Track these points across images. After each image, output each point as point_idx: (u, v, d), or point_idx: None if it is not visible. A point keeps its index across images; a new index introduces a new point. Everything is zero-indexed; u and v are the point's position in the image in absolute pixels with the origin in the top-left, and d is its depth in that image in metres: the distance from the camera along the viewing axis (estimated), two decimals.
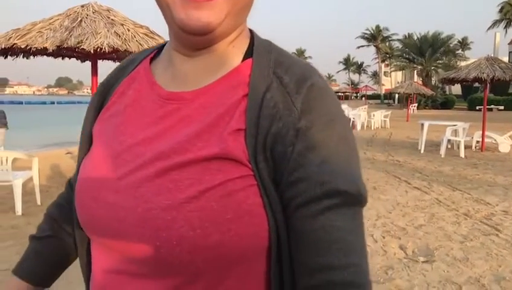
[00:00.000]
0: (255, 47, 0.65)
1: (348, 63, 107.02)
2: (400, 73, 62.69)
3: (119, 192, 0.59)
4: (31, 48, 5.75)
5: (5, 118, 9.60)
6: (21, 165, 6.07)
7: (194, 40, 0.62)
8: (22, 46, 5.73)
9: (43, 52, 6.00)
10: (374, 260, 3.88)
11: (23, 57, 6.55)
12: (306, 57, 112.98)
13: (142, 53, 0.76)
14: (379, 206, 5.76)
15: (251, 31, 0.69)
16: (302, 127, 0.57)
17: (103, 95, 0.74)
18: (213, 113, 0.60)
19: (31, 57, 6.47)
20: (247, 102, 0.60)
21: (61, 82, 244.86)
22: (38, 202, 5.71)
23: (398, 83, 53.15)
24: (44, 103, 79.00)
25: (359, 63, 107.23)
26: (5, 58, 6.66)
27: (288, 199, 0.58)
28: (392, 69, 58.13)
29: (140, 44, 5.87)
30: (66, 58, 7.10)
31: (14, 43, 5.64)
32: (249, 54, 0.65)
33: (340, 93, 57.73)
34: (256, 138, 0.58)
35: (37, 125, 21.16)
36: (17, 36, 5.70)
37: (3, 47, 5.78)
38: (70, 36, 5.53)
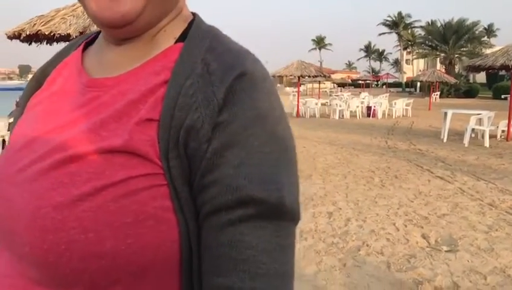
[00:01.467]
0: (191, 32, 0.58)
1: (369, 50, 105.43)
2: (422, 61, 61.51)
3: (17, 186, 0.53)
4: (54, 35, 5.83)
5: None
6: None
7: (114, 33, 0.56)
8: (46, 33, 5.81)
9: (66, 38, 6.07)
10: (396, 249, 3.85)
11: (46, 43, 6.63)
12: (326, 44, 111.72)
13: (83, 37, 0.70)
14: (401, 195, 5.70)
15: (194, 15, 0.62)
16: (221, 121, 0.49)
17: (39, 81, 0.68)
18: (125, 100, 0.53)
19: (54, 43, 6.55)
20: (166, 89, 0.52)
21: None
22: None
23: (420, 71, 52.17)
24: None
25: (380, 51, 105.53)
26: (29, 44, 6.76)
27: (199, 205, 0.50)
28: (414, 56, 57.08)
29: None
30: None
31: (39, 30, 5.72)
32: (181, 39, 0.58)
33: (360, 81, 56.97)
34: (169, 131, 0.50)
35: None
36: (41, 23, 5.78)
37: (28, 34, 5.88)
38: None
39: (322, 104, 20.47)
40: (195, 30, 0.58)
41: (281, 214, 0.49)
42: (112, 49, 0.59)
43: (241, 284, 0.46)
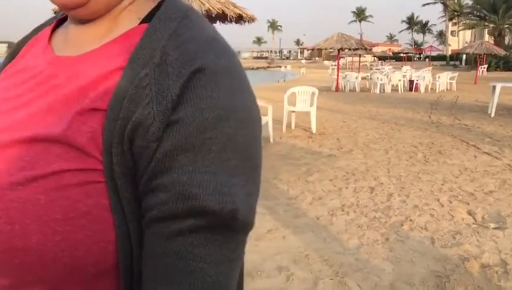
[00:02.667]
0: (159, 12, 0.53)
1: (411, 22, 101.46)
2: (468, 32, 58.66)
3: None
4: None
5: None
6: None
7: (71, 14, 0.54)
8: None
9: None
10: (440, 225, 3.78)
11: None
12: (366, 16, 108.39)
13: (59, 14, 0.67)
14: (445, 171, 5.55)
15: None
16: (175, 120, 0.45)
17: (14, 54, 0.65)
18: (76, 84, 0.50)
19: None
20: (120, 77, 0.48)
21: None
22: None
23: (466, 43, 49.83)
24: None
25: (424, 22, 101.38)
26: None
27: (144, 207, 0.47)
28: (461, 28, 54.42)
29: (202, 3, 5.87)
30: None
31: None
32: (148, 19, 0.53)
33: (402, 54, 55.04)
34: (115, 123, 0.46)
35: None
36: None
37: None
38: None
39: (363, 78, 20.02)
40: (163, 10, 0.53)
41: (233, 227, 0.46)
42: (76, 27, 0.56)
43: None
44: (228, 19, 6.38)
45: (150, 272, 0.46)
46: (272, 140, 7.27)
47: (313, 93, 8.27)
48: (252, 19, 6.66)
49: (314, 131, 8.18)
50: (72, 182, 0.46)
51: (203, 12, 6.02)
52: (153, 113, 0.45)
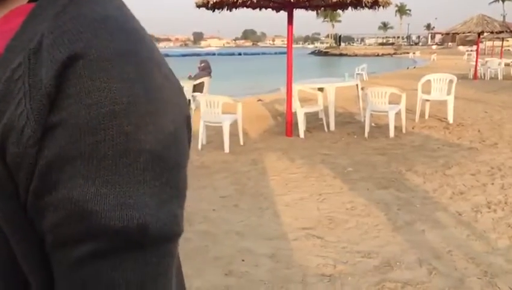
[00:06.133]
0: None
1: None
2: None
3: None
4: (237, 1, 6.26)
5: (210, 68, 10.77)
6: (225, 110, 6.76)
7: None
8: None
9: (244, 4, 6.46)
10: None
11: (227, 9, 7.15)
12: None
13: None
14: None
15: None
16: (56, 122, 0.37)
17: None
18: None
19: (234, 9, 7.02)
20: None
21: (247, 34, 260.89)
22: (241, 142, 6.38)
23: None
24: (232, 54, 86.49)
25: None
26: (213, 11, 7.37)
27: (39, 231, 0.39)
28: None
29: None
30: (250, 10, 7.48)
31: None
32: None
33: None
34: None
35: (229, 75, 22.97)
36: None
37: (214, 1, 6.42)
38: None
39: (506, 65, 17.99)
40: None
41: (145, 243, 0.38)
42: None
43: None
44: (363, 4, 6.22)
45: None
46: (404, 130, 6.95)
47: (451, 81, 7.69)
48: (387, 3, 6.39)
49: (451, 121, 7.61)
50: None
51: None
52: (26, 112, 0.37)
